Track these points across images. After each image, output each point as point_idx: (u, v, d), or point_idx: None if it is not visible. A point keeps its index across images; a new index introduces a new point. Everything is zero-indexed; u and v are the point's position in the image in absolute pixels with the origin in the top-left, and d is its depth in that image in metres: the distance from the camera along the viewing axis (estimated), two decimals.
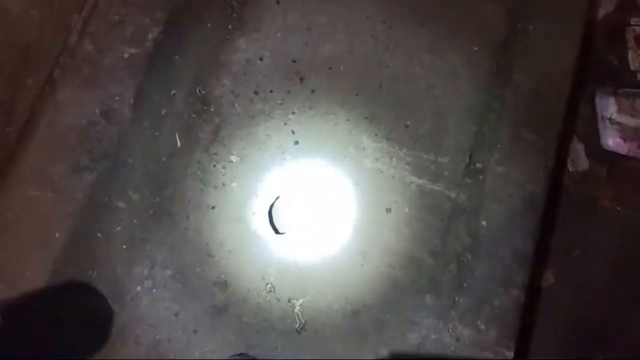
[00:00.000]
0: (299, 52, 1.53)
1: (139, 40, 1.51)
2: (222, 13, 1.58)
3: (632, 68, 1.91)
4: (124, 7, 1.54)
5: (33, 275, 1.34)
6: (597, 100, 1.84)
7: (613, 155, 1.80)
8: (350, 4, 1.56)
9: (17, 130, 1.46)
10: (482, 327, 1.32)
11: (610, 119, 1.80)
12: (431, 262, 1.35)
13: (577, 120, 1.81)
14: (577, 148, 1.81)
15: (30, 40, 1.59)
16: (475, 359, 1.26)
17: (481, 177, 1.44)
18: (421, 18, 1.55)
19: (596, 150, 1.81)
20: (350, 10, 1.55)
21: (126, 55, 1.50)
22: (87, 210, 1.38)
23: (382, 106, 1.49)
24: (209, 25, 1.57)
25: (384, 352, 1.24)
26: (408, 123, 1.48)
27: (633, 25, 1.93)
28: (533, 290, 1.50)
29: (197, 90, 1.50)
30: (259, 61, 1.53)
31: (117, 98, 1.47)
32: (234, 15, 1.57)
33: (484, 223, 1.40)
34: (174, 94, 1.50)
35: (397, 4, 1.56)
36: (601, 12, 1.93)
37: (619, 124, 1.79)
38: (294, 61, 1.53)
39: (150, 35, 1.52)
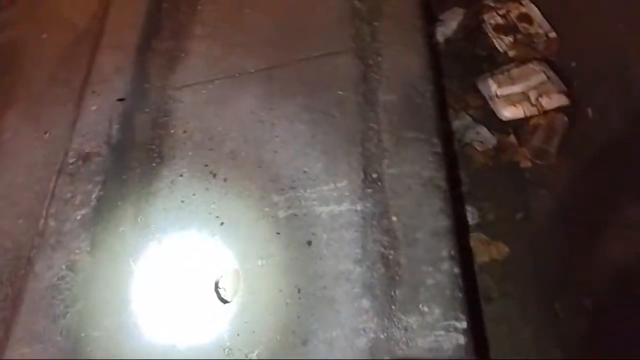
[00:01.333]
0: (207, 158, 1.84)
1: (85, 202, 1.87)
2: (147, 155, 1.94)
3: (501, 50, 2.13)
4: (72, 185, 1.94)
5: None
6: (480, 87, 2.03)
7: (515, 122, 1.92)
8: (237, 108, 1.90)
9: (11, 304, 1.75)
10: (425, 309, 1.35)
11: (496, 95, 1.97)
12: (358, 269, 1.45)
13: (469, 109, 1.99)
14: (481, 131, 1.95)
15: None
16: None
17: (379, 183, 1.59)
18: (291, 95, 1.87)
19: (499, 126, 1.94)
20: (238, 112, 1.90)
21: (78, 217, 1.85)
22: (67, 349, 1.59)
23: (280, 166, 1.73)
24: (138, 170, 1.93)
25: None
26: (305, 169, 1.69)
27: (487, 20, 2.20)
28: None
29: (139, 219, 1.80)
30: (180, 177, 1.84)
31: (77, 251, 1.78)
32: (155, 154, 1.94)
33: (394, 219, 1.51)
34: (122, 231, 1.80)
35: (270, 92, 1.90)
36: (452, 25, 2.23)
37: (505, 95, 1.95)
38: (205, 165, 1.83)
39: (93, 196, 1.88)
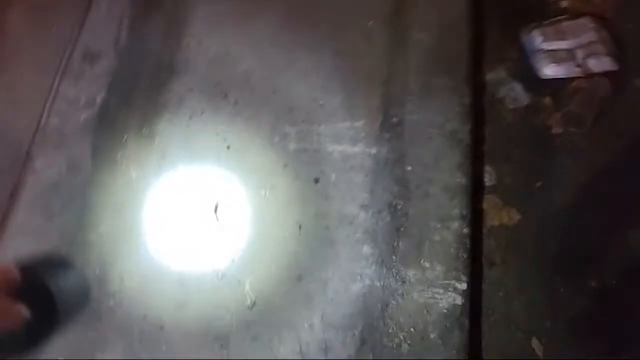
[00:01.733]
0: (220, 76, 1.73)
1: (89, 105, 1.79)
2: (156, 65, 1.83)
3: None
4: (76, 86, 1.85)
5: None
6: (523, 38, 1.86)
7: (554, 82, 1.77)
8: (256, 27, 1.76)
9: (6, 199, 1.73)
10: (427, 264, 1.31)
11: (540, 50, 1.80)
12: (363, 215, 1.39)
13: (506, 62, 1.83)
14: (515, 87, 1.80)
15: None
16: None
17: (399, 128, 1.49)
18: (316, 20, 1.71)
19: (536, 85, 1.79)
20: (257, 31, 1.75)
21: (82, 119, 1.77)
22: (60, 249, 1.58)
23: (297, 96, 1.62)
24: (146, 79, 1.82)
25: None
26: (322, 102, 1.59)
27: None
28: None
29: (143, 130, 1.73)
30: (189, 92, 1.74)
31: (78, 153, 1.72)
32: (165, 65, 1.83)
33: (409, 168, 1.43)
34: (125, 139, 1.73)
35: (295, 14, 1.74)
36: None
37: (550, 50, 1.78)
38: (217, 84, 1.73)
39: (98, 99, 1.80)
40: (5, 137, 1.89)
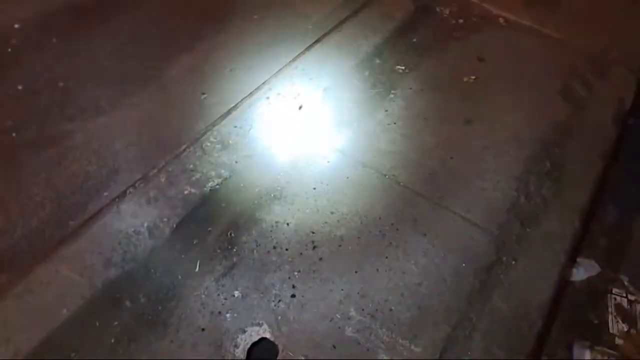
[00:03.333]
0: (319, 226, 1.84)
1: (200, 184, 1.90)
2: (271, 185, 1.97)
3: (611, 331, 2.04)
4: (201, 160, 1.98)
5: (25, 337, 1.45)
6: (575, 349, 1.94)
7: None
8: (365, 201, 1.92)
9: (79, 223, 1.76)
10: None
11: None
12: None
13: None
14: None
15: (118, 166, 2.02)
16: None
17: None
18: (423, 229, 1.86)
19: None
20: (365, 204, 1.90)
21: (186, 192, 1.87)
22: (98, 299, 1.55)
23: (374, 288, 1.69)
24: (257, 190, 1.95)
25: None
26: (393, 307, 1.64)
27: (615, 294, 2.13)
28: None
29: (228, 233, 1.80)
30: (286, 225, 1.84)
31: (164, 219, 1.78)
32: (279, 187, 1.96)
33: None
34: (209, 230, 1.79)
35: (405, 212, 1.90)
36: (584, 274, 2.17)
37: None
38: (312, 232, 1.83)
39: (209, 184, 1.91)
40: None
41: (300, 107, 2.26)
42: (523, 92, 2.37)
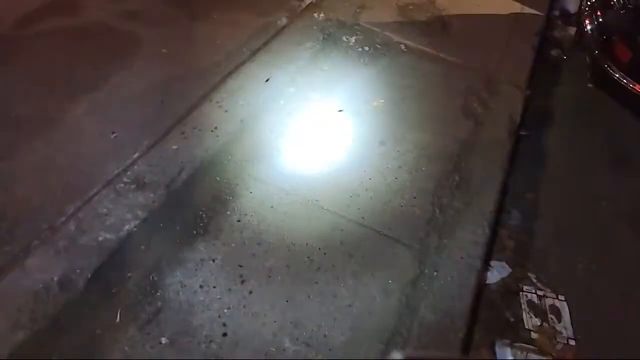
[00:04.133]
0: (246, 260, 1.80)
1: (116, 228, 1.78)
2: (192, 220, 1.90)
3: (526, 326, 2.19)
4: (115, 202, 1.87)
5: None
6: (497, 349, 2.05)
7: None
8: (292, 229, 1.91)
9: None
10: None
11: None
12: None
13: None
14: None
15: (20, 217, 1.84)
16: None
17: None
18: (350, 251, 1.89)
19: None
20: (291, 232, 1.90)
21: (100, 238, 1.74)
22: None
23: (307, 315, 1.67)
24: (178, 227, 1.87)
25: None
26: (326, 333, 1.64)
27: (525, 292, 2.30)
28: None
29: (151, 277, 1.69)
30: (211, 262, 1.78)
31: (77, 271, 1.64)
32: (201, 224, 1.90)
33: None
34: (129, 276, 1.68)
35: (331, 236, 1.92)
36: (497, 276, 2.33)
37: None
38: (240, 266, 1.78)
39: (126, 227, 1.80)
40: None
41: (217, 137, 2.21)
42: (428, 112, 2.53)
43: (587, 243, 2.27)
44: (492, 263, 2.37)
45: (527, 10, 3.38)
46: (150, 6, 3.08)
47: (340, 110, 2.45)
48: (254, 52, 2.67)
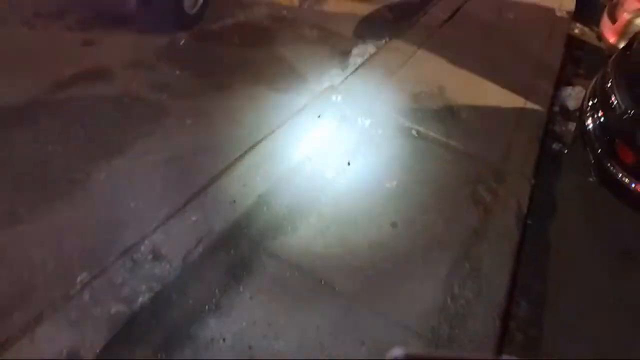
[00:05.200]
0: (257, 341, 1.74)
1: (129, 300, 1.74)
2: (205, 295, 1.86)
3: None
4: (131, 272, 1.84)
5: None
6: None
7: None
8: (304, 310, 1.87)
9: None
10: None
11: None
12: None
13: None
14: None
15: (35, 282, 1.81)
16: None
17: None
18: (362, 337, 1.84)
19: None
20: (303, 314, 1.85)
21: (112, 311, 1.70)
22: None
23: None
24: (190, 301, 1.83)
25: None
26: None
27: None
28: None
29: (159, 355, 1.63)
30: (222, 341, 1.72)
31: (87, 344, 1.58)
32: (213, 299, 1.86)
33: None
34: (137, 353, 1.62)
35: (343, 320, 1.87)
36: None
37: None
38: (250, 347, 1.72)
39: (140, 299, 1.76)
40: None
41: (234, 210, 2.22)
42: (438, 196, 2.56)
43: (594, 338, 2.21)
44: (503, 357, 2.29)
45: (530, 104, 3.54)
46: (178, 78, 3.23)
47: (351, 194, 2.48)
48: (273, 129, 2.76)
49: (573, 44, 5.16)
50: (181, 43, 3.65)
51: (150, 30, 3.67)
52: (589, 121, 2.84)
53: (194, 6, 3.83)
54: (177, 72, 3.27)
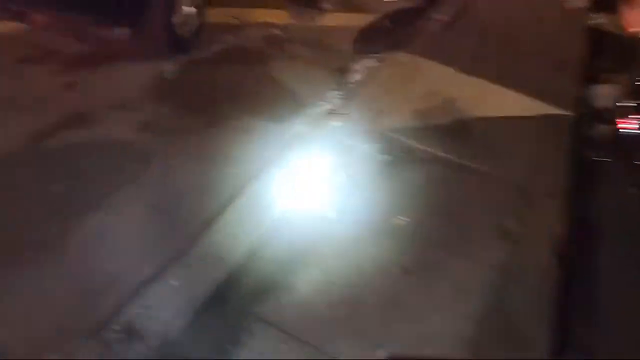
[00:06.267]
0: None
1: None
2: None
3: None
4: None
5: None
6: None
7: None
8: None
9: None
10: None
11: None
12: None
13: None
14: None
15: None
16: None
17: None
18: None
19: None
20: None
21: None
22: None
23: None
24: None
25: None
26: None
27: None
28: None
29: None
30: None
31: None
32: None
33: None
34: None
35: None
36: None
37: None
38: None
39: None
40: None
41: (221, 269, 1.93)
42: (457, 232, 2.21)
43: None
44: None
45: (553, 110, 3.14)
46: (165, 115, 2.98)
47: (353, 237, 2.15)
48: (265, 166, 2.46)
49: (593, 36, 4.70)
50: (169, 75, 3.40)
51: (138, 62, 3.44)
52: (628, 124, 2.46)
53: (188, 30, 3.57)
54: (164, 109, 3.02)
